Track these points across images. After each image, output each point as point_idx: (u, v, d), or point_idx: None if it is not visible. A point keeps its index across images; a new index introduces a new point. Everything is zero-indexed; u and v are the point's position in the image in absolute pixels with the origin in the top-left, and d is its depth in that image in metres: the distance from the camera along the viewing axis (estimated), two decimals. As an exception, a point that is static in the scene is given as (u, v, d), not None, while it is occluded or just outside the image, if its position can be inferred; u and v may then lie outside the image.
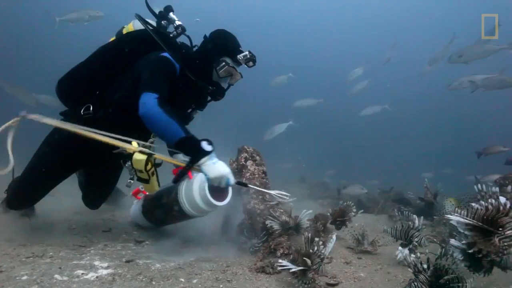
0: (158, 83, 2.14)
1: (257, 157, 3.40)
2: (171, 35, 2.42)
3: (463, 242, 1.67)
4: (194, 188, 2.32)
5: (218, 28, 2.53)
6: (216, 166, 2.02)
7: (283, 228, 2.59)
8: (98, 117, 2.32)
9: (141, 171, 2.18)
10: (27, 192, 2.43)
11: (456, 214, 1.66)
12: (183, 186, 2.46)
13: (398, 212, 3.11)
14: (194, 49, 2.53)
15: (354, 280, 2.09)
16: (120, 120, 2.31)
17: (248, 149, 3.41)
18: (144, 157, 2.13)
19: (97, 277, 1.78)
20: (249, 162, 3.25)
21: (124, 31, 2.53)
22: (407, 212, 2.89)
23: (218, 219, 3.10)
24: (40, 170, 2.36)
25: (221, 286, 1.80)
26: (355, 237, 3.21)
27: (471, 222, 1.58)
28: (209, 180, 2.05)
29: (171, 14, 2.44)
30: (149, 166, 2.16)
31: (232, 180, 2.10)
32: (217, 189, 2.37)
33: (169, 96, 2.25)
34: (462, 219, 1.60)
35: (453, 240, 1.86)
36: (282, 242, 2.36)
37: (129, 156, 2.22)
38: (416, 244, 2.56)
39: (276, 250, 2.31)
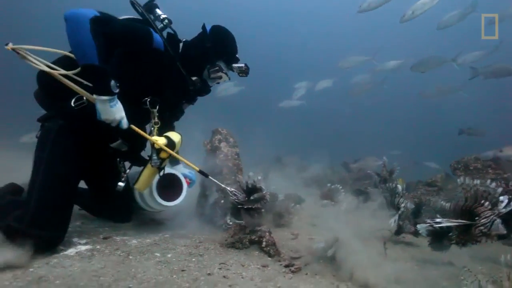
0: (111, 17, 2.01)
1: (231, 139, 3.54)
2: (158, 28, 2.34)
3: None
4: (145, 191, 2.43)
5: (220, 25, 2.45)
6: (113, 110, 1.90)
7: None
8: (91, 107, 2.05)
9: (163, 159, 2.16)
10: (56, 213, 1.97)
11: (439, 218, 1.96)
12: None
13: (379, 185, 3.40)
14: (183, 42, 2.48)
15: (315, 254, 2.31)
16: None
17: (222, 131, 3.53)
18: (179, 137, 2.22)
19: (76, 252, 1.89)
20: (222, 144, 3.38)
21: None
22: (391, 184, 3.20)
23: (193, 197, 3.24)
24: (62, 178, 2.05)
25: (193, 259, 1.97)
26: (321, 215, 3.48)
27: (450, 224, 1.87)
28: (99, 116, 1.91)
29: (156, 9, 2.39)
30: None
31: (125, 124, 2.00)
32: (170, 186, 2.54)
33: (160, 89, 2.27)
34: (443, 223, 1.90)
35: (419, 225, 2.30)
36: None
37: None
38: (403, 209, 2.95)
39: (245, 227, 2.48)
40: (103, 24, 1.90)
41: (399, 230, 3.06)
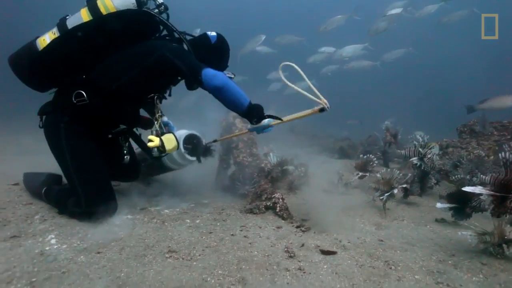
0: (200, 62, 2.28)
1: (245, 115, 3.80)
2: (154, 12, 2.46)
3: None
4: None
5: (223, 37, 2.69)
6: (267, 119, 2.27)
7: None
8: (93, 104, 2.31)
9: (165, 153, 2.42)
10: (98, 188, 2.34)
11: (479, 187, 2.01)
12: None
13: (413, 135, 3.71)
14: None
15: (323, 217, 2.61)
16: (119, 108, 2.42)
17: (236, 108, 3.79)
18: (175, 145, 2.42)
19: (121, 221, 2.27)
20: (237, 120, 3.65)
21: (100, 5, 2.31)
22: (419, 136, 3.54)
23: (213, 170, 3.59)
24: (89, 161, 2.36)
25: (218, 224, 2.33)
26: (330, 181, 3.78)
27: (489, 192, 1.97)
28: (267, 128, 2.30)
29: None
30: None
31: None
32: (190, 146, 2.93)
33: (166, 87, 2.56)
34: (484, 191, 1.97)
35: (438, 203, 2.52)
36: (267, 189, 2.87)
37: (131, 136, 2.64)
38: (428, 159, 3.48)
39: (261, 195, 2.82)
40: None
41: (406, 193, 3.34)
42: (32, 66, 2.32)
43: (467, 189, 1.98)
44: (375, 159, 3.96)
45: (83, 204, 2.22)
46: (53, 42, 2.30)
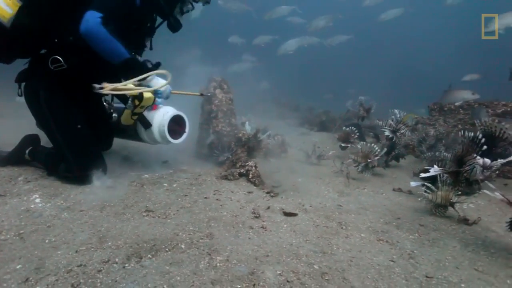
0: (108, 4, 2.17)
1: (225, 86, 3.91)
2: None
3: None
4: (154, 125, 2.70)
5: None
6: (159, 80, 2.41)
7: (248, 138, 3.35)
8: (71, 66, 2.32)
9: (142, 107, 2.51)
10: (86, 152, 2.45)
11: (435, 167, 2.17)
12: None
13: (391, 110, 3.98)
14: None
15: (292, 184, 2.86)
16: (97, 64, 2.35)
17: (216, 79, 3.88)
18: (152, 96, 2.47)
19: (102, 184, 2.42)
20: (217, 91, 3.76)
21: None
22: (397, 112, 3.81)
23: (193, 139, 3.73)
24: (74, 126, 2.42)
25: (193, 188, 2.52)
26: (305, 152, 4.00)
27: (443, 171, 2.18)
28: (160, 92, 2.49)
29: None
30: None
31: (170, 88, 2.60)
32: (174, 126, 2.81)
33: (127, 26, 2.38)
34: (438, 171, 2.14)
35: (412, 182, 2.52)
36: (242, 157, 3.06)
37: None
38: (401, 133, 3.77)
39: (236, 163, 3.01)
40: (109, 19, 2.13)
41: (374, 165, 3.60)
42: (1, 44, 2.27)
43: (424, 169, 2.19)
44: (356, 131, 4.22)
45: (74, 169, 2.34)
46: (20, 14, 2.22)
